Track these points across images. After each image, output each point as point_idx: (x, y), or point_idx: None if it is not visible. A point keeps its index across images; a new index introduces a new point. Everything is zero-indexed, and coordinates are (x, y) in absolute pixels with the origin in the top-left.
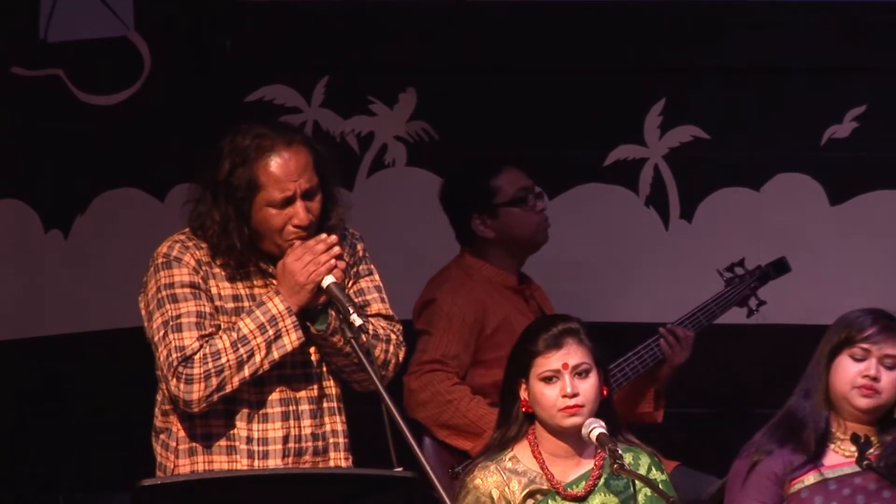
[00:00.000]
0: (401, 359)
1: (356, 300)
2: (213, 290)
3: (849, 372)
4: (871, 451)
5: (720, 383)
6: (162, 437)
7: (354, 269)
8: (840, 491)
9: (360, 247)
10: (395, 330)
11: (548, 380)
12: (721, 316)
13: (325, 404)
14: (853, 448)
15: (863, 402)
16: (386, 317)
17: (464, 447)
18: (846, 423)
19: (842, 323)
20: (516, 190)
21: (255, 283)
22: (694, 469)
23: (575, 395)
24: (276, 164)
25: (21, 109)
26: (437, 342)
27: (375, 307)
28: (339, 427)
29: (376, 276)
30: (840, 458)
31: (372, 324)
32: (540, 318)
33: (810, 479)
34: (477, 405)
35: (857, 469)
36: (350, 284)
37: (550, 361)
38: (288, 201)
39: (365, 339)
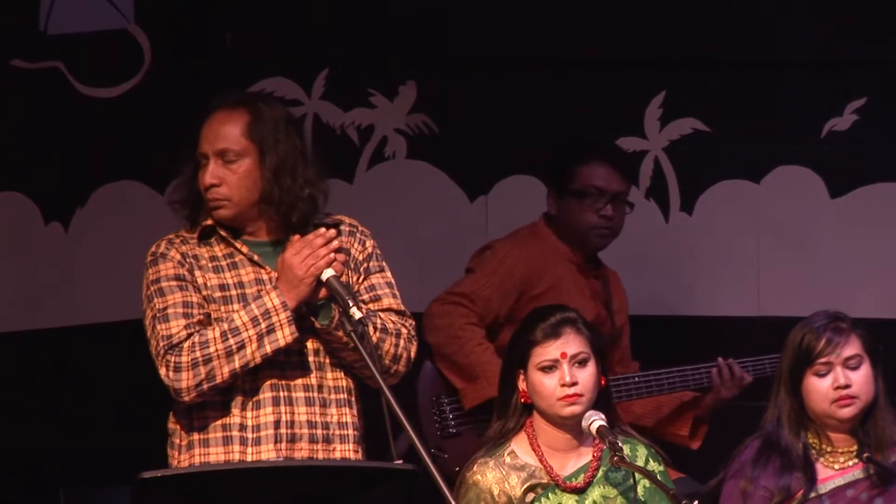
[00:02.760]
0: (412, 354)
1: (366, 296)
2: (200, 281)
3: (821, 390)
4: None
5: None
6: (171, 438)
7: (365, 266)
8: None
9: (369, 244)
10: (406, 324)
11: (546, 369)
12: None
13: (331, 395)
14: (842, 459)
15: (846, 413)
16: (397, 311)
17: (456, 384)
18: (829, 435)
19: (793, 344)
20: (588, 185)
21: (241, 272)
22: (700, 482)
23: (574, 384)
24: (209, 121)
25: (21, 102)
26: (475, 280)
27: (386, 302)
28: (349, 419)
29: (388, 273)
30: (829, 470)
31: (381, 318)
32: (536, 309)
33: (801, 497)
34: (483, 350)
35: (847, 480)
36: (360, 280)
37: (549, 351)
38: (204, 158)
39: (369, 332)
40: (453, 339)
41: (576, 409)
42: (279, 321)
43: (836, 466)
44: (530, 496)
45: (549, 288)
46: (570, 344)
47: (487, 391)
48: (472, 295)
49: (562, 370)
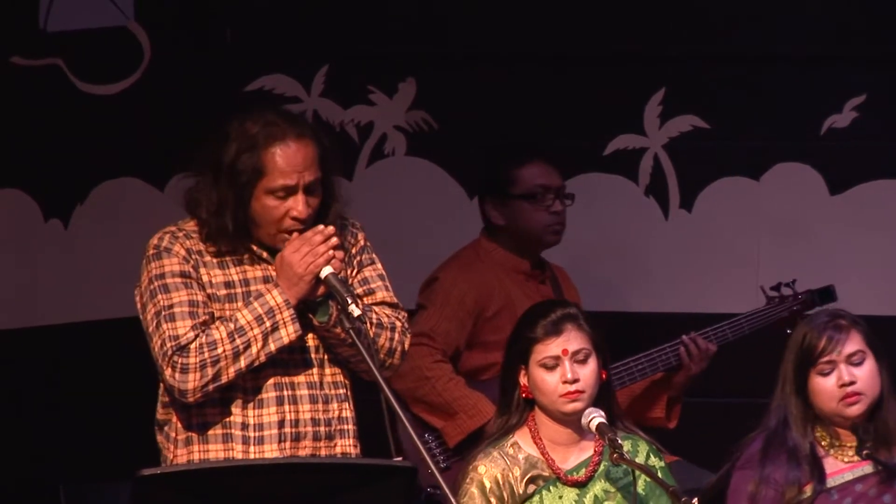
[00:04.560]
0: (406, 346)
1: (360, 289)
2: (205, 278)
3: (827, 389)
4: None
5: (722, 373)
6: (165, 429)
7: (357, 259)
8: (842, 501)
9: (361, 236)
10: (399, 317)
11: (548, 366)
12: (749, 334)
13: (332, 391)
14: (851, 453)
15: (854, 410)
16: (391, 305)
17: (435, 425)
18: (836, 430)
19: (794, 346)
20: (533, 185)
21: (247, 268)
22: (695, 465)
23: (575, 381)
24: (283, 153)
25: (21, 99)
26: (429, 316)
27: (380, 295)
28: (348, 414)
29: (379, 265)
30: (840, 464)
31: (376, 312)
32: (538, 304)
33: (810, 489)
34: (455, 386)
35: (857, 475)
36: (353, 274)
37: (550, 348)
38: (289, 192)
39: (367, 328)
40: (423, 380)
41: (577, 405)
42: (283, 319)
43: (846, 460)
44: (531, 488)
45: (503, 306)
46: (571, 341)
47: (468, 425)
48: (430, 332)
49: (563, 367)
